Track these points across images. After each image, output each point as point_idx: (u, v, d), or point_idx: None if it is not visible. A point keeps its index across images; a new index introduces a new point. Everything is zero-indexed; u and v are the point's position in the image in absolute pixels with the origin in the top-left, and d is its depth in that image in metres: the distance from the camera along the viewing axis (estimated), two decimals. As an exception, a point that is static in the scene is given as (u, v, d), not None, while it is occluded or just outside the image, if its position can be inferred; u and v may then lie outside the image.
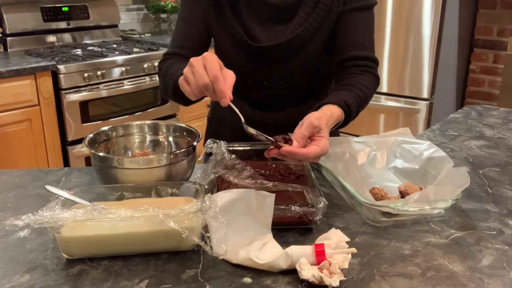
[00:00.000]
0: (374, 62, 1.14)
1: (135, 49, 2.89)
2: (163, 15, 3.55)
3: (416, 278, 0.76)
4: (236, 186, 0.92)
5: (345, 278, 0.73)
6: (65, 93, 2.52)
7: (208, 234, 0.79)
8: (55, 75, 2.49)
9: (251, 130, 0.83)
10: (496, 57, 3.31)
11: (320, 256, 0.73)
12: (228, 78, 0.80)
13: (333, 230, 0.80)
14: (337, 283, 0.71)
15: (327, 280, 0.71)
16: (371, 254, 0.82)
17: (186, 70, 0.82)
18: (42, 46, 2.93)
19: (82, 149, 2.61)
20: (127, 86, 2.76)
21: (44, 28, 2.94)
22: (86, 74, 2.56)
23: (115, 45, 3.02)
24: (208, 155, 1.02)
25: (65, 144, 2.61)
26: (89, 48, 2.94)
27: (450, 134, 1.47)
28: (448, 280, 0.75)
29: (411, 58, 3.00)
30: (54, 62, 2.48)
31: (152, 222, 0.78)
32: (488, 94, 3.41)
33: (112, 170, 0.95)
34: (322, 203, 0.85)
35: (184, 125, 1.13)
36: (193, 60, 0.80)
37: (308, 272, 0.72)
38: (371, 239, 0.87)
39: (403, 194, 0.99)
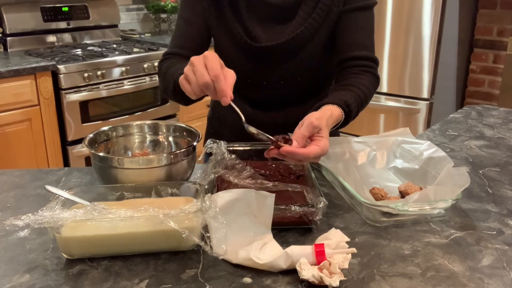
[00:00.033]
0: (374, 62, 1.14)
1: (135, 49, 2.89)
2: (163, 15, 3.55)
3: (416, 278, 0.76)
4: (236, 186, 0.92)
5: (345, 278, 0.73)
6: (65, 93, 2.52)
7: (208, 234, 0.79)
8: (55, 75, 2.49)
9: (252, 129, 0.83)
10: (496, 57, 3.31)
11: (320, 256, 0.73)
12: (228, 78, 0.80)
13: (333, 230, 0.80)
14: (337, 283, 0.71)
15: (327, 280, 0.71)
16: (371, 254, 0.82)
17: (187, 69, 0.82)
18: (42, 46, 2.93)
19: (82, 149, 2.61)
20: (127, 86, 2.76)
21: (44, 28, 2.94)
22: (86, 74, 2.56)
23: (115, 45, 3.02)
24: (208, 155, 1.02)
25: (65, 144, 2.61)
26: (89, 48, 2.94)
27: (450, 134, 1.47)
28: (448, 280, 0.75)
29: (411, 58, 3.00)
30: (54, 62, 2.48)
31: (152, 222, 0.78)
32: (488, 94, 3.41)
33: (112, 170, 0.95)
34: (322, 203, 0.85)
35: (184, 125, 1.13)
36: (194, 59, 0.80)
37: (308, 272, 0.72)
38: (371, 239, 0.87)
39: (403, 194, 0.99)
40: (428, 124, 3.04)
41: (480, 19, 3.31)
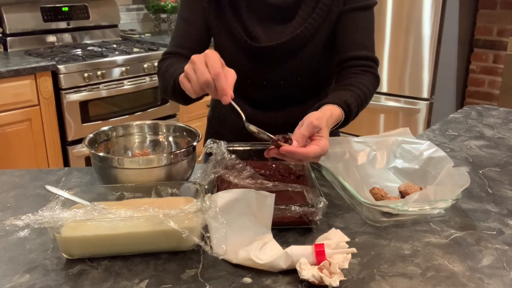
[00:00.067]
0: (374, 62, 1.14)
1: (135, 49, 2.89)
2: (163, 15, 3.55)
3: (416, 278, 0.76)
4: (236, 186, 0.92)
5: (345, 278, 0.73)
6: (65, 93, 2.52)
7: (208, 234, 0.79)
8: (55, 75, 2.49)
9: (252, 128, 0.83)
10: (496, 57, 3.31)
11: (320, 256, 0.73)
12: (229, 76, 0.80)
13: (333, 230, 0.80)
14: (337, 283, 0.71)
15: (327, 280, 0.71)
16: (371, 254, 0.82)
17: (187, 67, 0.82)
18: (42, 46, 2.93)
19: (82, 149, 2.61)
20: (127, 86, 2.76)
21: (44, 28, 2.94)
22: (86, 74, 2.56)
23: (115, 45, 3.02)
24: (208, 155, 1.02)
25: (65, 144, 2.61)
26: (89, 48, 2.94)
27: (450, 134, 1.47)
28: (448, 280, 0.75)
29: (411, 58, 3.00)
30: (54, 62, 2.48)
31: (152, 222, 0.78)
32: (488, 94, 3.41)
33: (112, 170, 0.95)
34: (322, 203, 0.85)
35: (184, 125, 1.13)
36: (194, 57, 0.80)
37: (308, 272, 0.72)
38: (371, 239, 0.87)
39: (403, 194, 0.99)
40: (428, 124, 3.04)
41: (480, 19, 3.31)
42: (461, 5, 3.05)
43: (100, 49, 2.87)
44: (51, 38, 3.00)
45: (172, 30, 1.23)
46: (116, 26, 3.31)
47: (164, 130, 1.14)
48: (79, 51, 2.80)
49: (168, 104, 2.99)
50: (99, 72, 2.61)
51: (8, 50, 2.82)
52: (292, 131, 0.86)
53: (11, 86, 2.34)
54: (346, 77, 1.11)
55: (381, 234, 0.89)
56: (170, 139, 1.14)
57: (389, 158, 1.13)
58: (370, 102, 1.12)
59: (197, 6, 1.16)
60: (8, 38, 2.81)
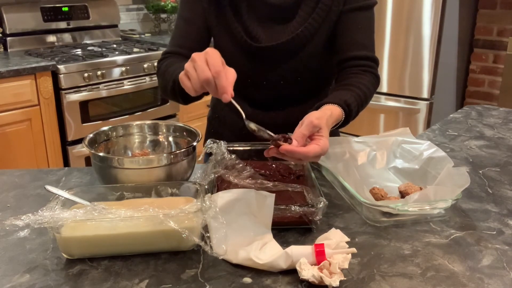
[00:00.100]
0: (374, 62, 1.14)
1: (135, 49, 2.89)
2: (163, 15, 3.55)
3: (416, 278, 0.76)
4: (236, 186, 0.92)
5: (345, 278, 0.73)
6: (65, 93, 2.52)
7: (208, 234, 0.79)
8: (55, 75, 2.49)
9: (252, 126, 0.83)
10: (496, 57, 3.31)
11: (320, 256, 0.73)
12: (229, 75, 0.80)
13: (333, 230, 0.80)
14: (337, 283, 0.71)
15: (327, 280, 0.71)
16: (371, 254, 0.82)
17: (188, 65, 0.82)
18: (42, 46, 2.93)
19: (82, 149, 2.61)
20: (127, 86, 2.76)
21: (44, 28, 2.94)
22: (86, 74, 2.56)
23: (115, 45, 3.02)
24: (208, 155, 1.02)
25: (65, 144, 2.61)
26: (89, 48, 2.94)
27: (450, 134, 1.47)
28: (448, 280, 0.75)
29: (411, 58, 3.00)
30: (54, 62, 2.48)
31: (152, 222, 0.78)
32: (488, 94, 3.41)
33: (112, 170, 0.95)
34: (322, 203, 0.85)
35: (184, 125, 1.13)
36: (195, 55, 0.80)
37: (308, 272, 0.72)
38: (371, 239, 0.87)
39: (403, 194, 0.99)
40: (428, 124, 3.04)
41: (480, 19, 3.31)
42: (461, 5, 3.05)
43: (100, 49, 2.87)
44: (51, 38, 3.00)
45: (172, 30, 1.23)
46: (116, 26, 3.31)
47: (164, 130, 1.14)
48: (79, 51, 2.80)
49: (168, 104, 2.99)
50: (99, 72, 2.61)
51: (8, 50, 2.82)
52: (292, 131, 0.86)
53: (11, 86, 2.34)
54: (346, 77, 1.11)
55: (381, 234, 0.88)
56: (170, 139, 1.14)
57: (389, 158, 1.13)
58: (370, 102, 1.12)
59: (197, 6, 1.16)
60: (8, 38, 2.81)
